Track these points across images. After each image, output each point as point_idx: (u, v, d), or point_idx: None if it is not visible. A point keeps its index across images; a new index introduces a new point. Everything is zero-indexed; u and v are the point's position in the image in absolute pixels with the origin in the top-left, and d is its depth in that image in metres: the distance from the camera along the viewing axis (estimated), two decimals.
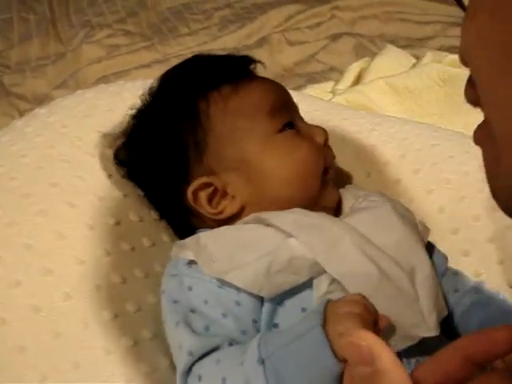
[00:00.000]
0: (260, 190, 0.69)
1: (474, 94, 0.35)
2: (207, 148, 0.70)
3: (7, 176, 0.70)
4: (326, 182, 0.71)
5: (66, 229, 0.65)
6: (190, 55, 0.81)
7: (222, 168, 0.70)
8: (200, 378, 0.55)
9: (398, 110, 1.33)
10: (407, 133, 0.91)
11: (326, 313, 0.51)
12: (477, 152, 0.86)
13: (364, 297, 0.53)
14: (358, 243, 0.60)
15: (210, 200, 0.69)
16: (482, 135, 0.35)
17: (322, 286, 0.59)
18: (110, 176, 0.75)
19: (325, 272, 0.59)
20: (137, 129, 0.76)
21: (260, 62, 0.79)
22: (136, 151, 0.75)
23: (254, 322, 0.60)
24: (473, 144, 0.88)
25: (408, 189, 0.84)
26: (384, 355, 0.31)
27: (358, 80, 1.47)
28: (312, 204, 0.68)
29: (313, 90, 1.38)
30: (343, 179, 0.82)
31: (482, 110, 0.35)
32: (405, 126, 0.94)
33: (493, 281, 0.78)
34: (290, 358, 0.50)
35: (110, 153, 0.79)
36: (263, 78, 0.76)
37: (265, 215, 0.63)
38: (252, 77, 0.75)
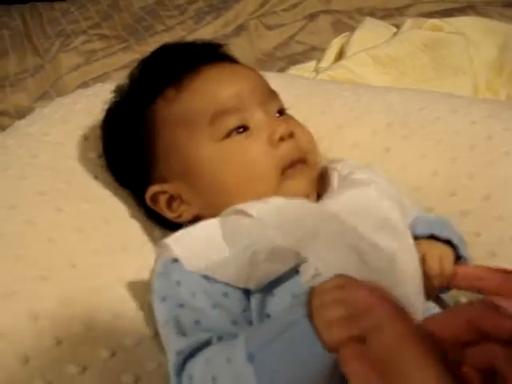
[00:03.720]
0: (210, 198, 0.67)
1: None
2: (158, 156, 0.69)
3: None
4: (286, 177, 0.66)
5: (55, 234, 0.64)
6: None
7: (171, 176, 0.69)
8: (191, 378, 0.53)
9: (384, 80, 1.31)
10: (393, 100, 0.90)
11: (312, 301, 0.48)
12: (465, 109, 0.86)
13: (349, 278, 0.50)
14: (335, 231, 0.58)
15: (169, 204, 0.69)
16: None
17: (308, 271, 0.58)
18: (96, 178, 0.75)
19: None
20: (104, 131, 0.77)
21: (224, 45, 0.76)
22: (106, 153, 0.76)
23: (244, 311, 0.59)
24: (460, 103, 0.88)
25: (398, 156, 0.83)
26: (381, 306, 0.30)
27: (340, 56, 1.45)
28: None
29: (295, 70, 1.37)
30: (328, 154, 0.81)
31: None
32: (390, 93, 0.93)
33: (493, 239, 0.76)
34: (279, 352, 0.48)
35: (93, 155, 0.78)
36: (217, 70, 0.70)
37: (243, 206, 0.61)
38: (205, 70, 0.70)
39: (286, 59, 1.51)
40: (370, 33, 1.47)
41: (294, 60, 1.50)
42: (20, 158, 0.75)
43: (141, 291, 0.64)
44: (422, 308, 0.56)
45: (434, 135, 0.83)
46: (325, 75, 1.27)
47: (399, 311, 0.30)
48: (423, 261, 0.62)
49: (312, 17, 1.67)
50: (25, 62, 1.60)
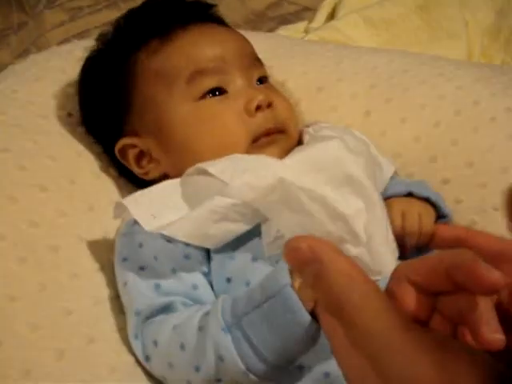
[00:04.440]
0: (179, 159, 0.65)
1: None
2: (132, 108, 0.68)
3: None
4: (256, 146, 0.65)
5: (17, 192, 0.62)
6: None
7: (144, 131, 0.67)
8: (156, 344, 0.53)
9: (375, 42, 1.28)
10: (377, 62, 0.87)
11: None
12: (451, 72, 0.83)
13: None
14: (293, 190, 0.56)
15: (138, 160, 0.68)
16: None
17: (270, 232, 0.56)
18: (64, 136, 0.73)
19: None
20: (81, 79, 0.75)
21: (214, 6, 0.74)
22: (82, 102, 0.74)
23: (205, 274, 0.58)
24: (448, 66, 0.85)
25: (379, 120, 0.80)
26: (325, 249, 0.30)
27: (331, 17, 1.42)
28: None
29: (285, 31, 1.33)
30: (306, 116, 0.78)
31: None
32: (375, 54, 0.90)
33: (475, 206, 0.75)
34: (260, 321, 0.48)
35: (63, 113, 0.76)
36: (204, 30, 0.69)
37: (203, 165, 0.59)
38: (193, 28, 0.68)
39: (277, 19, 1.48)
40: None
41: (285, 20, 1.46)
42: None
43: (104, 252, 0.63)
44: (395, 263, 0.54)
45: (418, 99, 0.81)
46: (314, 36, 1.24)
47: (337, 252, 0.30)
48: (403, 218, 0.61)
49: None
50: (10, 18, 1.56)
